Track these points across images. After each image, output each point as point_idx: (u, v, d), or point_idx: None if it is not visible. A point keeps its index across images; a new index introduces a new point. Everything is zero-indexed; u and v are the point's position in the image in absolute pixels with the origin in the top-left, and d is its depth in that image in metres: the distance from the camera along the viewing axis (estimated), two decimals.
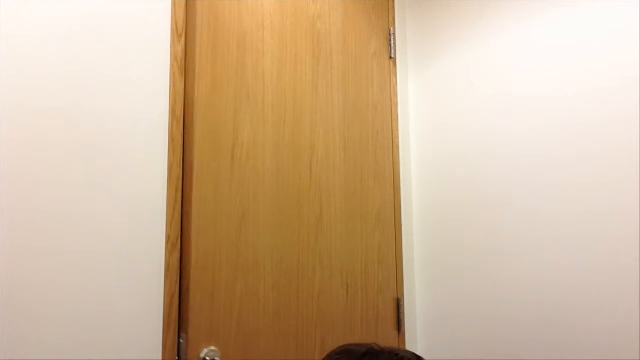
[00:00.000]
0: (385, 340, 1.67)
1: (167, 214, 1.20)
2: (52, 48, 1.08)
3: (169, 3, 1.27)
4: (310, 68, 1.54)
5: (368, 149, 1.70)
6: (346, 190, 1.59)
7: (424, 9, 1.87)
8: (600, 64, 1.42)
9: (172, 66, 1.25)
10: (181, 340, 1.19)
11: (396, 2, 1.88)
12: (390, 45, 1.83)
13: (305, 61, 1.53)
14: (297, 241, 1.44)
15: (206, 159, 1.27)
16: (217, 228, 1.27)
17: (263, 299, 1.33)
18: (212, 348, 1.21)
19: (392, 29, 1.85)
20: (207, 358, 1.20)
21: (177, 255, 1.21)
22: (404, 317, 1.71)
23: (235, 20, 1.37)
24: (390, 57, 1.83)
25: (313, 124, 1.53)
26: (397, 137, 1.80)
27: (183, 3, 1.29)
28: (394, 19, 1.86)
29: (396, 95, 1.82)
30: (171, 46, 1.26)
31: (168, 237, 1.20)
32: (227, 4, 1.35)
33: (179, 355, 1.18)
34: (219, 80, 1.31)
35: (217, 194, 1.28)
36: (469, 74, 1.71)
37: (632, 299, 1.30)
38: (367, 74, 1.73)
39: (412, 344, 1.73)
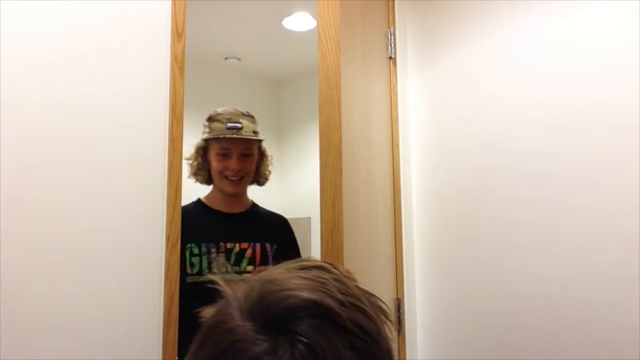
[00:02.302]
0: None
1: (167, 214, 1.20)
2: (52, 48, 1.08)
3: (169, 3, 1.27)
4: None
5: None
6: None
7: (424, 9, 1.87)
8: (601, 63, 1.42)
9: (172, 66, 1.25)
10: None
11: (396, 2, 1.88)
12: (390, 45, 1.83)
13: None
14: None
15: None
16: None
17: None
18: None
19: (392, 29, 1.85)
20: None
21: (177, 255, 1.21)
22: (404, 317, 1.71)
23: None
24: (390, 57, 1.83)
25: None
26: (397, 137, 1.80)
27: (183, 3, 1.29)
28: (394, 19, 1.86)
29: (396, 95, 1.82)
30: (171, 46, 1.26)
31: (168, 237, 1.20)
32: None
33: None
34: None
35: None
36: (469, 74, 1.71)
37: (637, 296, 1.30)
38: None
39: (412, 344, 1.73)
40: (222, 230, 1.71)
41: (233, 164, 1.69)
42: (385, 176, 1.76)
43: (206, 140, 1.74)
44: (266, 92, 4.16)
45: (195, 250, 1.64)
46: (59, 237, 1.05)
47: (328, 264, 0.54)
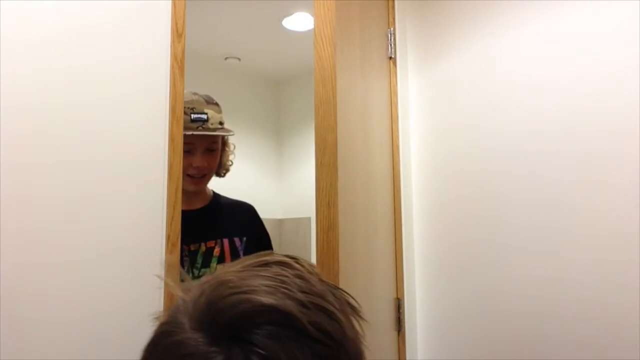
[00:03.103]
0: (385, 340, 1.67)
1: (167, 214, 1.20)
2: (52, 47, 1.08)
3: (169, 3, 1.27)
4: None
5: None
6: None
7: (424, 9, 1.86)
8: (601, 63, 1.42)
9: (172, 66, 1.25)
10: None
11: (396, 2, 1.88)
12: (390, 45, 1.83)
13: None
14: None
15: None
16: None
17: None
18: None
19: (392, 29, 1.85)
20: None
21: (177, 255, 1.21)
22: (404, 317, 1.71)
23: None
24: (390, 57, 1.83)
25: None
26: (397, 137, 1.80)
27: (183, 3, 1.29)
28: (394, 19, 1.86)
29: (396, 95, 1.82)
30: (171, 46, 1.26)
31: (168, 237, 1.20)
32: None
33: None
34: None
35: None
36: (469, 74, 1.71)
37: (637, 297, 1.30)
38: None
39: (412, 344, 1.73)
40: (183, 231, 1.53)
41: (197, 160, 1.52)
42: (385, 176, 1.76)
43: None
44: (266, 92, 4.16)
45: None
46: (59, 237, 1.05)
47: (291, 258, 0.50)
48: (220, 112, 1.58)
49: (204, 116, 1.51)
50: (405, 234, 1.77)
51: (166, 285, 0.49)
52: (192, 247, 1.54)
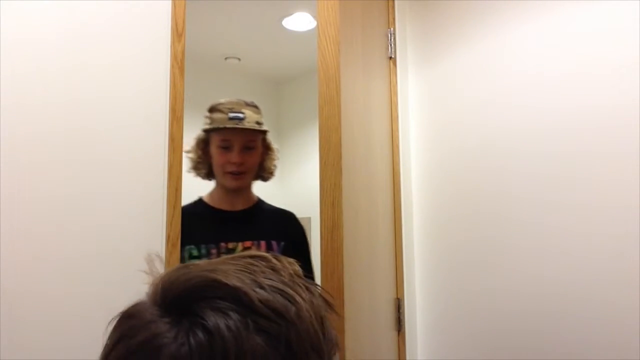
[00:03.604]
0: (385, 340, 1.67)
1: (167, 214, 1.20)
2: (53, 47, 1.08)
3: (169, 3, 1.27)
4: None
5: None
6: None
7: (424, 9, 1.86)
8: (601, 62, 1.41)
9: (172, 66, 1.25)
10: None
11: (396, 2, 1.88)
12: (390, 45, 1.83)
13: None
14: None
15: None
16: None
17: None
18: None
19: (392, 29, 1.85)
20: None
21: (177, 255, 1.21)
22: (404, 317, 1.71)
23: None
24: (390, 57, 1.83)
25: None
26: (397, 137, 1.80)
27: (183, 3, 1.29)
28: (394, 19, 1.86)
29: (396, 95, 1.82)
30: (171, 46, 1.26)
31: (168, 237, 1.20)
32: None
33: None
34: None
35: None
36: (469, 74, 1.71)
37: (635, 297, 1.30)
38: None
39: (412, 344, 1.73)
40: (222, 229, 1.60)
41: (234, 157, 1.58)
42: (385, 176, 1.76)
43: (207, 132, 1.62)
44: (266, 92, 4.16)
45: (195, 252, 1.55)
46: (59, 237, 1.05)
47: (274, 257, 0.49)
48: (258, 113, 1.64)
49: (241, 115, 1.58)
50: (405, 234, 1.77)
51: (149, 274, 0.50)
52: (230, 246, 1.58)
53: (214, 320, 0.41)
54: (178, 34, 1.27)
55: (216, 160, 1.61)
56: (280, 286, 0.45)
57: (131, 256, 1.14)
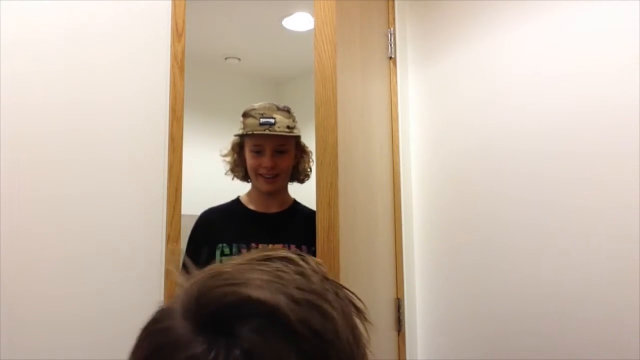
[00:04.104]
0: (385, 340, 1.67)
1: (167, 214, 1.20)
2: (53, 47, 1.08)
3: (169, 3, 1.27)
4: None
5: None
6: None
7: (424, 9, 1.87)
8: (601, 62, 1.42)
9: (172, 66, 1.25)
10: None
11: (396, 2, 1.88)
12: (390, 45, 1.83)
13: None
14: None
15: None
16: None
17: None
18: None
19: (392, 29, 1.85)
20: None
21: (177, 255, 1.21)
22: (404, 317, 1.71)
23: None
24: (390, 57, 1.83)
25: None
26: (397, 137, 1.80)
27: (183, 3, 1.29)
28: (394, 19, 1.86)
29: (396, 95, 1.82)
30: (171, 46, 1.26)
31: (168, 237, 1.20)
32: None
33: None
34: None
35: None
36: (469, 73, 1.71)
37: (635, 297, 1.30)
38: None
39: (412, 344, 1.73)
40: (255, 230, 1.64)
41: (266, 161, 1.62)
42: (385, 176, 1.76)
43: (241, 137, 1.67)
44: (266, 92, 4.16)
45: (227, 251, 1.59)
46: (59, 237, 1.05)
47: (298, 255, 0.48)
48: (289, 117, 1.68)
49: (272, 120, 1.62)
50: (405, 234, 1.77)
51: (168, 272, 0.49)
52: (261, 247, 1.60)
53: (252, 340, 0.39)
54: (178, 34, 1.27)
55: (249, 163, 1.66)
56: (314, 299, 0.43)
57: (131, 256, 1.14)
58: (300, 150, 1.74)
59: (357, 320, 0.48)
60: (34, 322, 1.00)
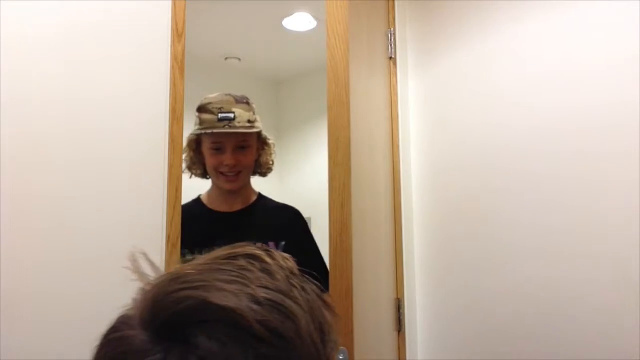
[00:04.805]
0: (385, 340, 1.66)
1: (167, 214, 1.20)
2: (53, 47, 1.08)
3: (169, 3, 1.27)
4: None
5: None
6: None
7: (424, 9, 1.86)
8: (601, 62, 1.41)
9: (172, 66, 1.25)
10: None
11: (396, 2, 1.88)
12: (390, 45, 1.83)
13: None
14: None
15: None
16: None
17: None
18: None
19: (392, 29, 1.85)
20: None
21: (177, 255, 1.21)
22: (404, 317, 1.71)
23: None
24: (390, 57, 1.83)
25: None
26: (397, 137, 1.80)
27: (183, 3, 1.29)
28: (394, 19, 1.86)
29: (396, 95, 1.82)
30: (171, 46, 1.26)
31: (168, 237, 1.20)
32: None
33: None
34: None
35: None
36: (468, 74, 1.71)
37: (635, 296, 1.30)
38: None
39: (412, 344, 1.73)
40: (218, 232, 1.54)
41: (227, 158, 1.53)
42: (386, 176, 1.76)
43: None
44: (266, 92, 4.16)
45: (189, 257, 1.51)
46: (59, 237, 1.05)
47: (264, 250, 0.46)
48: (249, 110, 1.57)
49: (231, 115, 1.52)
50: (405, 234, 1.77)
51: (134, 274, 0.47)
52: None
53: (208, 347, 0.38)
54: (178, 34, 1.27)
55: (209, 162, 1.58)
56: (278, 297, 0.41)
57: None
58: (262, 143, 1.65)
59: (327, 314, 0.46)
60: (34, 322, 1.00)
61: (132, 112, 1.18)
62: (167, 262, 1.19)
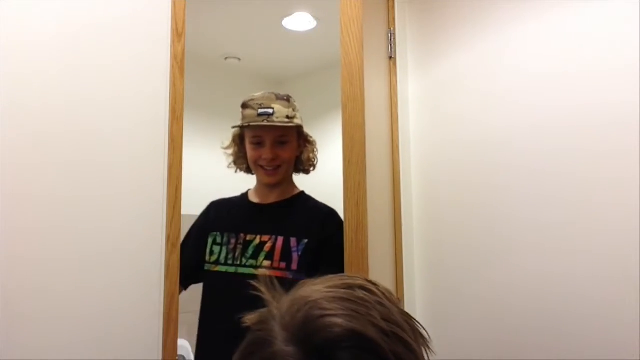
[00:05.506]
0: None
1: (167, 214, 1.20)
2: (53, 47, 1.08)
3: (169, 3, 1.27)
4: None
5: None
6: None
7: (424, 9, 1.86)
8: (602, 61, 1.41)
9: (172, 66, 1.25)
10: None
11: (396, 2, 1.88)
12: (390, 45, 1.83)
13: None
14: None
15: None
16: None
17: None
18: None
19: (392, 29, 1.85)
20: None
21: (177, 255, 1.21)
22: None
23: None
24: (390, 57, 1.83)
25: None
26: (397, 137, 1.80)
27: (183, 3, 1.29)
28: (394, 19, 1.86)
29: (396, 95, 1.82)
30: (171, 46, 1.26)
31: (168, 237, 1.20)
32: None
33: None
34: None
35: None
36: (469, 74, 1.71)
37: (637, 295, 1.30)
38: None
39: None
40: (247, 221, 1.62)
41: (266, 152, 1.59)
42: (386, 176, 1.76)
43: (241, 128, 1.64)
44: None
45: (218, 239, 1.60)
46: (59, 237, 1.05)
47: (371, 283, 0.55)
48: (289, 107, 1.62)
49: (270, 110, 1.58)
50: (405, 234, 1.77)
51: (258, 291, 0.53)
52: (249, 237, 1.59)
53: None
54: (178, 34, 1.27)
55: (250, 155, 1.63)
56: (399, 332, 0.50)
57: (131, 256, 1.14)
58: (304, 140, 1.70)
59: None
60: (34, 322, 1.00)
61: (132, 112, 1.18)
62: (167, 262, 1.19)
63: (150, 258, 1.17)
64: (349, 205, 1.51)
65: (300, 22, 3.09)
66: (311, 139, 1.72)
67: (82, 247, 1.07)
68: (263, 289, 0.53)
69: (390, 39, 1.84)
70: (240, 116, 1.64)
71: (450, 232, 1.71)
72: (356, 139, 1.51)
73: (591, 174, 1.40)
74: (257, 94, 1.62)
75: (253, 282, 0.54)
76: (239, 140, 1.68)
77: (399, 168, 1.78)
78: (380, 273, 1.68)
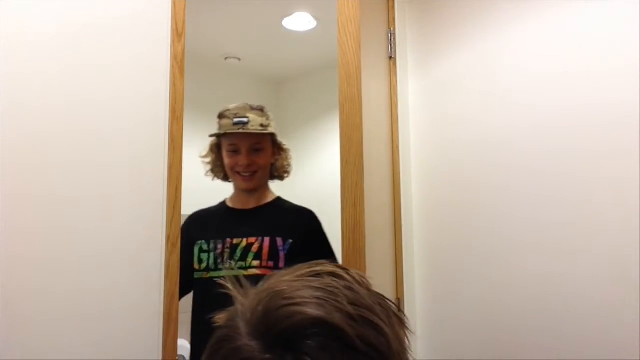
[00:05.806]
0: None
1: (167, 214, 1.20)
2: (52, 47, 1.08)
3: (169, 3, 1.27)
4: None
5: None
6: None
7: (424, 9, 1.86)
8: (602, 61, 1.41)
9: (172, 66, 1.25)
10: None
11: (396, 2, 1.88)
12: (390, 45, 1.83)
13: None
14: None
15: None
16: None
17: None
18: None
19: (392, 29, 1.85)
20: None
21: (177, 255, 1.21)
22: None
23: None
24: (390, 57, 1.83)
25: None
26: (397, 137, 1.80)
27: (183, 3, 1.29)
28: (394, 19, 1.86)
29: (396, 95, 1.82)
30: (171, 46, 1.26)
31: (168, 237, 1.20)
32: None
33: None
34: None
35: None
36: (469, 74, 1.71)
37: (637, 295, 1.30)
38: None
39: (412, 344, 1.73)
40: (231, 226, 1.69)
41: (242, 159, 1.68)
42: (385, 176, 1.76)
43: (218, 137, 1.73)
44: (266, 92, 4.16)
45: (205, 247, 1.64)
46: (59, 237, 1.05)
47: (341, 268, 0.52)
48: (263, 116, 1.72)
49: (245, 119, 1.67)
50: (405, 234, 1.77)
51: (225, 288, 0.52)
52: (235, 241, 1.65)
53: (321, 357, 0.43)
54: (178, 34, 1.27)
55: (227, 162, 1.71)
56: (367, 315, 0.47)
57: (131, 256, 1.14)
58: (278, 148, 1.78)
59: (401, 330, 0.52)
60: (33, 322, 1.00)
61: (132, 112, 1.18)
62: (167, 262, 1.19)
63: (150, 258, 1.17)
64: (347, 205, 1.51)
65: (300, 22, 3.09)
66: (285, 147, 1.81)
67: (82, 247, 1.07)
68: (230, 286, 0.52)
69: (390, 39, 1.84)
70: (217, 126, 1.72)
71: (451, 232, 1.71)
72: (353, 139, 1.52)
73: (591, 174, 1.40)
74: (232, 105, 1.72)
75: (219, 281, 0.53)
76: (216, 149, 1.76)
77: (399, 168, 1.78)
78: (380, 273, 1.68)
